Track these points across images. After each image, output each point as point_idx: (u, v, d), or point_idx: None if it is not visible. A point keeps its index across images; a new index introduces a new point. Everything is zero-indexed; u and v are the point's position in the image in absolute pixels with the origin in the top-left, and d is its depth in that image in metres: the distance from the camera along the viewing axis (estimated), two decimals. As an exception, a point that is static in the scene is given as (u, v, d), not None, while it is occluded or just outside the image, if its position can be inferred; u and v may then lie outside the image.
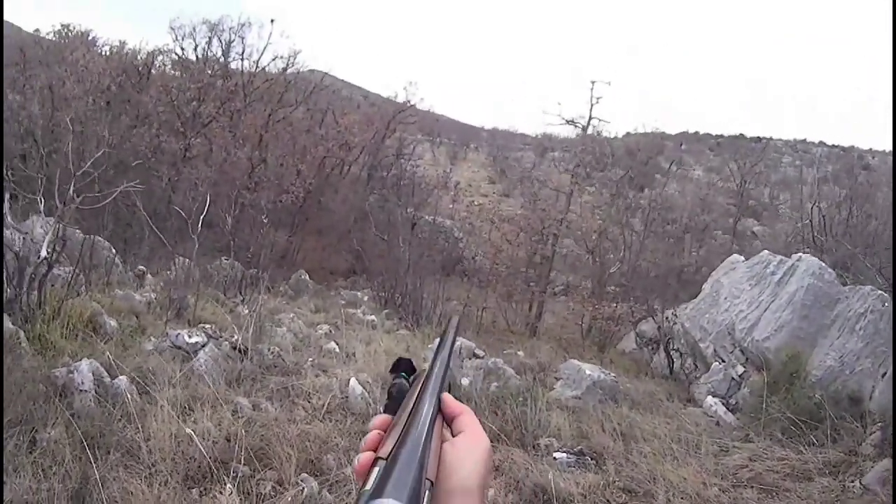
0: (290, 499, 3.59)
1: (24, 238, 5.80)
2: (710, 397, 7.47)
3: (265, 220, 12.09)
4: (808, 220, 13.82)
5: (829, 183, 22.11)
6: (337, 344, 7.42)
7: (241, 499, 3.51)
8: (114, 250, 9.31)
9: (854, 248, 10.12)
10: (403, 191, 19.12)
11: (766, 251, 9.62)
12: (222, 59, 19.94)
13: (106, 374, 4.58)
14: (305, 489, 3.68)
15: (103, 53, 18.97)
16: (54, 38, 20.05)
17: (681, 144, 40.11)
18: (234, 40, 19.77)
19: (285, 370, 5.90)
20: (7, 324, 4.81)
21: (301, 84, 21.07)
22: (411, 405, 0.62)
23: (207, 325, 6.59)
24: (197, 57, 19.66)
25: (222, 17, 22.33)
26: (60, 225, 6.02)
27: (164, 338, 5.87)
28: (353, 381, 5.39)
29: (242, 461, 3.81)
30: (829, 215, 13.46)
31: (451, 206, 20.94)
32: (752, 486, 4.72)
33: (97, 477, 3.29)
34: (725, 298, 9.26)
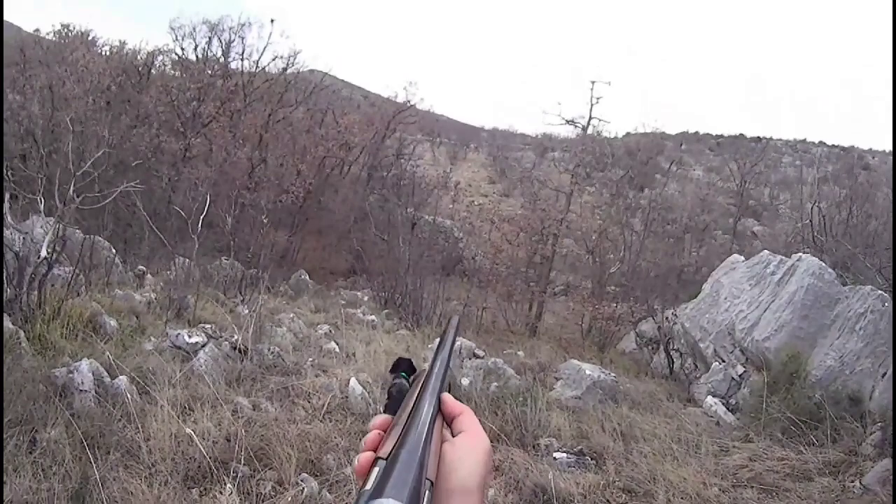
0: (290, 499, 3.59)
1: (24, 238, 5.80)
2: (710, 397, 7.47)
3: (265, 220, 12.08)
4: (808, 220, 13.79)
5: (829, 183, 22.12)
6: (337, 344, 7.42)
7: (241, 499, 3.51)
8: (114, 250, 9.32)
9: (854, 248, 10.11)
10: (403, 191, 19.12)
11: (766, 251, 9.61)
12: (222, 59, 19.93)
13: (106, 374, 4.58)
14: (305, 489, 3.68)
15: (103, 53, 18.97)
16: (54, 38, 20.03)
17: (681, 144, 40.11)
18: (234, 40, 19.77)
19: (285, 370, 5.90)
20: (7, 324, 4.81)
21: (301, 84, 21.07)
22: (411, 405, 0.62)
23: (207, 325, 6.60)
24: (197, 57, 19.65)
25: (222, 17, 22.29)
26: (60, 225, 6.02)
27: (164, 338, 5.88)
28: (353, 381, 5.39)
29: (242, 461, 3.81)
30: (829, 215, 13.44)
31: (450, 206, 20.91)
32: (752, 486, 4.72)
33: (97, 477, 3.29)
34: (725, 298, 9.26)
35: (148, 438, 3.84)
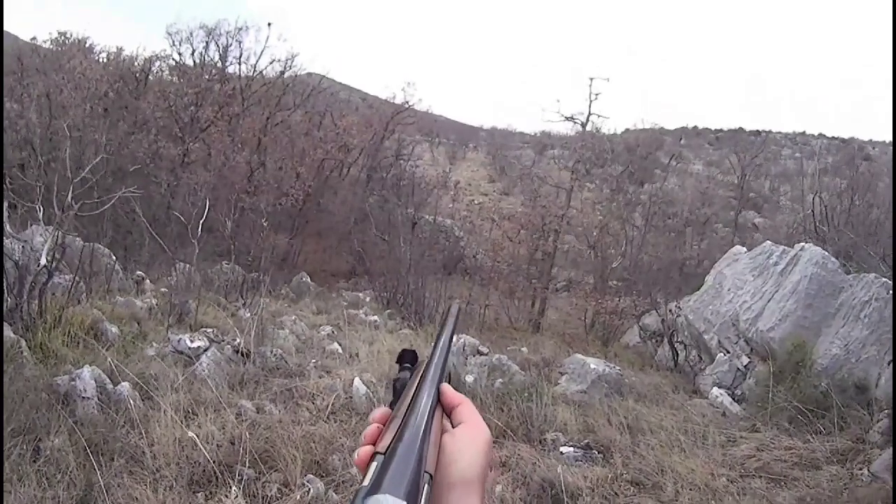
0: (296, 500, 3.58)
1: (23, 247, 5.78)
2: (715, 388, 7.45)
3: (265, 224, 12.08)
4: (809, 211, 13.76)
5: (829, 174, 22.08)
6: (340, 345, 7.41)
7: (246, 502, 3.49)
8: (114, 257, 9.30)
9: (856, 237, 10.08)
10: (403, 191, 19.14)
11: (768, 242, 9.59)
12: (219, 64, 19.92)
13: (108, 380, 4.57)
14: (311, 490, 3.67)
15: (100, 60, 18.95)
16: (51, 46, 20.02)
17: (680, 139, 40.05)
18: (231, 44, 19.77)
19: (288, 372, 5.88)
20: (8, 333, 4.80)
21: (299, 87, 21.05)
22: (410, 397, 0.61)
23: (209, 330, 6.59)
24: (194, 62, 19.66)
25: (219, 21, 22.21)
26: (60, 233, 6.01)
27: (166, 343, 5.86)
28: (356, 381, 5.38)
29: (247, 464, 3.79)
30: (830, 205, 13.40)
31: (451, 205, 20.95)
32: (760, 476, 4.70)
33: (102, 484, 3.28)
34: (729, 290, 9.24)
35: (152, 444, 3.83)
